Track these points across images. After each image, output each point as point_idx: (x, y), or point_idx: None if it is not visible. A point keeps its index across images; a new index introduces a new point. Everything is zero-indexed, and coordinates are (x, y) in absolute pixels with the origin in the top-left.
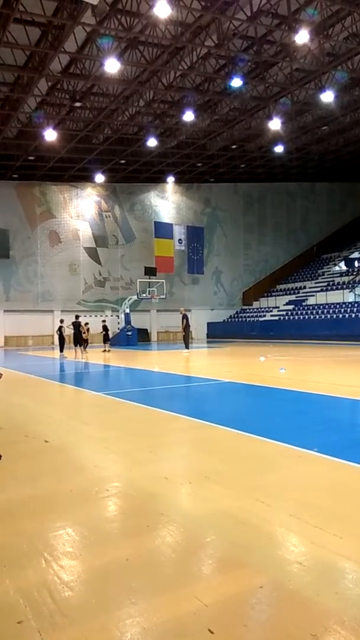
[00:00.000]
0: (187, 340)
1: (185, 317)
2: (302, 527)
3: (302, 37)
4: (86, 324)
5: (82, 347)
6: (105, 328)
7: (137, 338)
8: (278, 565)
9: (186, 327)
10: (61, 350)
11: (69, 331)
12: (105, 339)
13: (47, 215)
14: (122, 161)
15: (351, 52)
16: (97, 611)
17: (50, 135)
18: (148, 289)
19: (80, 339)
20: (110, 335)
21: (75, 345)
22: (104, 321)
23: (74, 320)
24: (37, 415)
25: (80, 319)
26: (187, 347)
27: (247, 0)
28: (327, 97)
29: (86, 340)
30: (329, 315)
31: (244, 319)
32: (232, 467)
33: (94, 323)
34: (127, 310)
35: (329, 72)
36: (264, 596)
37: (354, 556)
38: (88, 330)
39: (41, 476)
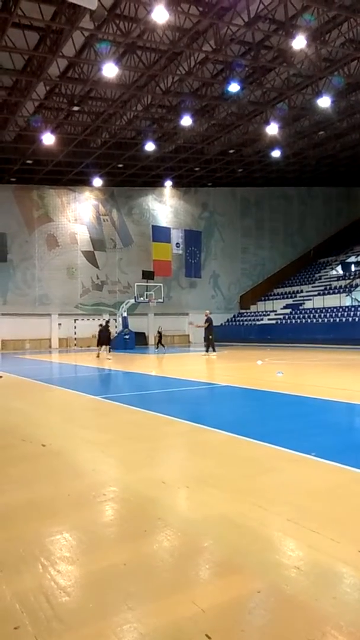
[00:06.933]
0: (211, 343)
1: (208, 320)
2: (299, 532)
3: (299, 42)
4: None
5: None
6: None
7: (134, 342)
8: (275, 570)
9: (208, 329)
10: (108, 349)
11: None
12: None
13: (45, 218)
14: (120, 165)
15: (348, 57)
16: (94, 616)
17: (48, 139)
18: (146, 293)
19: (107, 341)
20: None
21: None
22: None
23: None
24: (35, 419)
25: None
26: (213, 349)
27: (245, 6)
28: (324, 102)
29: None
30: (326, 319)
31: (241, 323)
32: (230, 471)
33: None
34: (125, 314)
35: (326, 77)
36: (261, 601)
37: (351, 560)
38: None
39: (38, 480)
